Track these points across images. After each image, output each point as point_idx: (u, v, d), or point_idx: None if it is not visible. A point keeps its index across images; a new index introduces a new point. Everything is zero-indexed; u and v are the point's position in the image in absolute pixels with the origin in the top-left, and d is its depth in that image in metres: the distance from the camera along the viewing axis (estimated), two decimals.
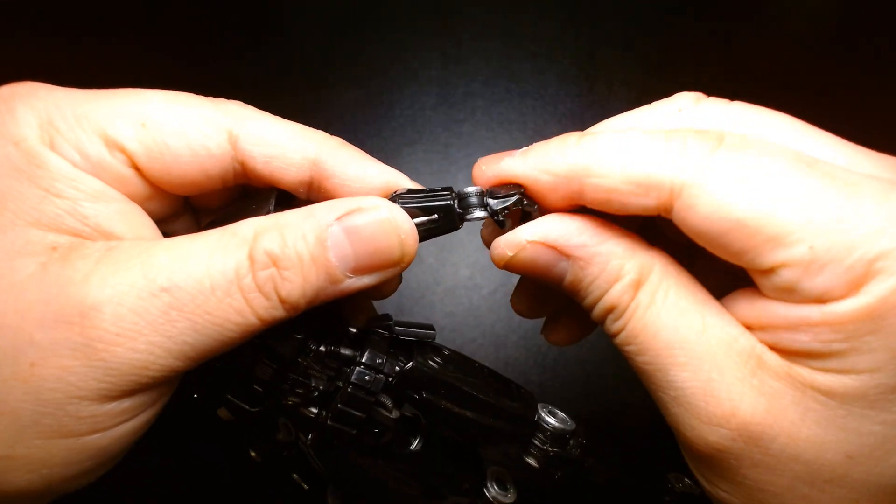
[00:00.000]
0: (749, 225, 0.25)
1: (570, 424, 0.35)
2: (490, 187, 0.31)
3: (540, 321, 0.39)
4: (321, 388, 0.32)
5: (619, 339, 0.29)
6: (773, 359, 0.27)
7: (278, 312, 0.27)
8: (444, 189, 0.31)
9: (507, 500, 0.36)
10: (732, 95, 0.32)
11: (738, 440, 0.26)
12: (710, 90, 0.32)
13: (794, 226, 0.24)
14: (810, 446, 0.26)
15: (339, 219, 0.28)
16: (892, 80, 0.76)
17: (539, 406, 0.36)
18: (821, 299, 0.25)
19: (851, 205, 0.24)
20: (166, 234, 0.31)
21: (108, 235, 0.28)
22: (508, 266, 0.30)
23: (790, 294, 0.25)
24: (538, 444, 0.35)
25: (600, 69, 0.76)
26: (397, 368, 0.32)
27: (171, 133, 0.29)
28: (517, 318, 0.40)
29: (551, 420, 0.35)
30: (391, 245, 0.29)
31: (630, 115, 0.32)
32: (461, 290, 0.65)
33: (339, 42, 0.77)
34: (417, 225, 0.30)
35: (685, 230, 0.27)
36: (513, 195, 0.30)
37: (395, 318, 0.35)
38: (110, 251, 0.27)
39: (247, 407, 0.32)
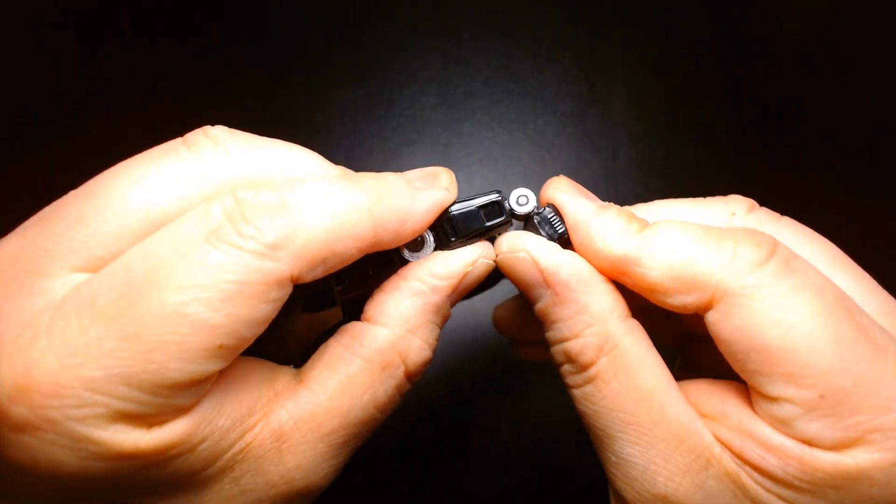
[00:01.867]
0: (772, 354, 0.25)
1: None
2: (540, 212, 0.33)
3: None
4: None
5: (574, 395, 0.31)
6: (726, 459, 0.27)
7: None
8: (494, 204, 0.33)
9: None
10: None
11: None
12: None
13: (813, 371, 0.25)
14: None
15: (454, 290, 0.31)
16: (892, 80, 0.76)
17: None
18: (808, 442, 0.26)
19: (873, 370, 0.25)
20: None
21: (241, 418, 0.28)
22: (499, 261, 0.32)
23: (782, 425, 0.26)
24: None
25: (600, 69, 0.76)
26: None
27: (247, 328, 0.25)
28: None
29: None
30: (489, 271, 0.33)
31: (683, 205, 0.32)
32: None
33: (339, 42, 0.77)
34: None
35: (711, 330, 0.27)
36: (559, 241, 0.32)
37: None
38: (281, 440, 0.28)
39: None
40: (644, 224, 0.29)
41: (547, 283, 0.30)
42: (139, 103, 0.74)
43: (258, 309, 0.25)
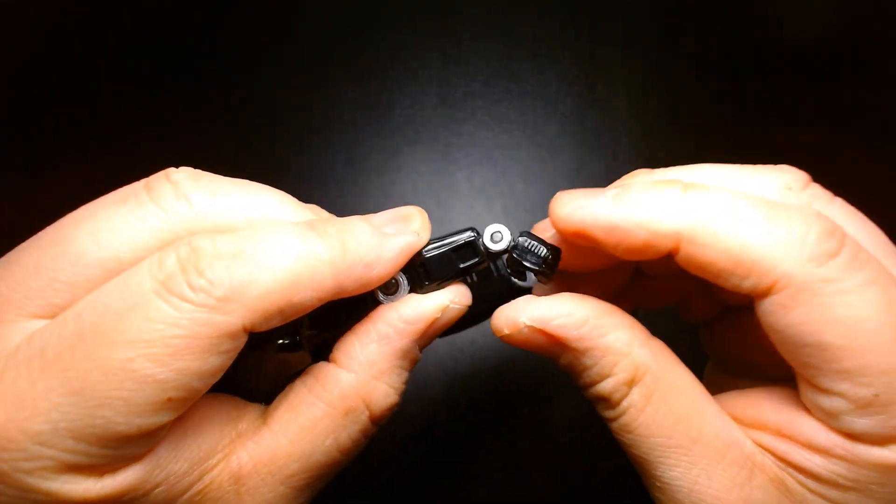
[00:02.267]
0: (832, 352, 0.24)
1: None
2: (516, 245, 0.31)
3: None
4: None
5: (611, 426, 0.30)
6: (769, 465, 0.27)
7: None
8: (467, 245, 0.31)
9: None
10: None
11: None
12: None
13: (872, 371, 0.24)
14: None
15: (422, 336, 0.30)
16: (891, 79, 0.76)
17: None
18: (854, 438, 0.25)
19: None
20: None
21: (198, 461, 0.27)
22: (504, 340, 0.30)
23: (831, 418, 0.25)
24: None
25: (600, 69, 0.76)
26: None
27: (198, 381, 0.25)
28: None
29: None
30: (461, 315, 0.32)
31: (730, 171, 0.29)
32: None
33: (339, 42, 0.77)
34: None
35: (764, 318, 0.26)
36: (545, 265, 0.30)
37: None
38: (239, 482, 0.27)
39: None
40: (689, 186, 0.26)
41: (560, 345, 0.29)
42: (138, 102, 0.73)
43: (209, 361, 0.24)
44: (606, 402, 0.29)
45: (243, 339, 0.26)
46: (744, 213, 0.25)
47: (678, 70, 0.77)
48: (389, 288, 0.31)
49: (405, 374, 0.31)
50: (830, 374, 0.25)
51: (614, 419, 0.29)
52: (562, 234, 0.30)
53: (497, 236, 0.31)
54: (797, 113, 0.74)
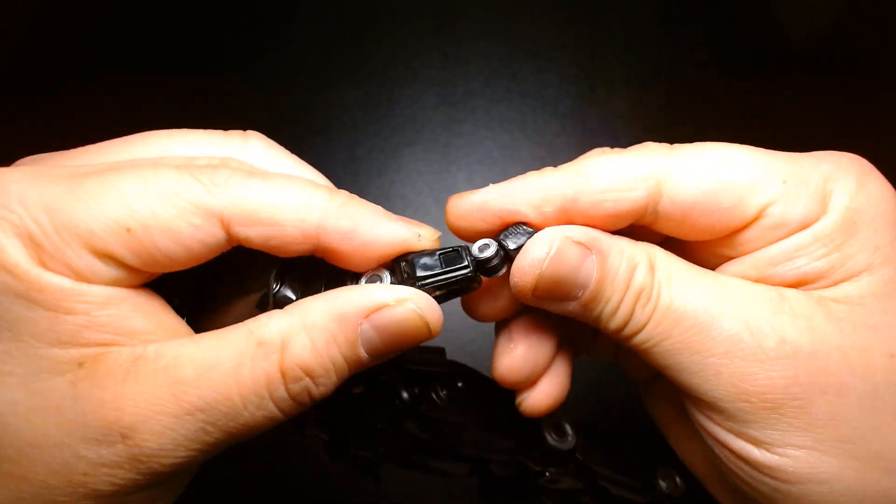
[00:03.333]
0: (731, 183, 0.29)
1: (570, 442, 0.36)
2: (501, 235, 0.31)
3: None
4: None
5: (649, 328, 0.29)
6: (789, 290, 0.29)
7: (305, 408, 0.29)
8: (456, 251, 0.31)
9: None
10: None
11: (800, 367, 0.27)
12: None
13: (764, 172, 0.29)
14: (859, 356, 0.27)
15: (368, 317, 0.28)
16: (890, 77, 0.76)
17: (544, 422, 0.36)
18: (804, 224, 0.29)
19: (783, 157, 0.30)
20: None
21: (130, 334, 0.28)
22: (540, 281, 0.30)
23: (779, 229, 0.29)
24: (537, 462, 0.36)
25: (600, 69, 0.76)
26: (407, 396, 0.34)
27: (159, 233, 0.27)
28: None
29: (551, 440, 0.36)
30: (420, 332, 0.29)
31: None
32: None
33: (339, 42, 0.77)
34: (440, 300, 0.30)
35: (675, 211, 0.29)
36: (525, 231, 0.31)
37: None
38: (135, 364, 0.27)
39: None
40: (558, 167, 0.31)
41: (588, 247, 0.29)
42: (139, 102, 0.74)
43: (177, 225, 0.27)
44: (642, 295, 0.29)
45: (214, 232, 0.28)
46: (607, 158, 0.30)
47: (678, 70, 0.77)
48: (372, 280, 0.31)
49: (339, 361, 0.29)
50: (748, 198, 0.29)
51: (652, 313, 0.29)
52: (457, 230, 0.33)
53: (484, 247, 0.31)
54: (797, 113, 0.74)
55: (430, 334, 0.30)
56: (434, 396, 0.34)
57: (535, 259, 0.29)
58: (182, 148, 0.31)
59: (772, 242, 0.29)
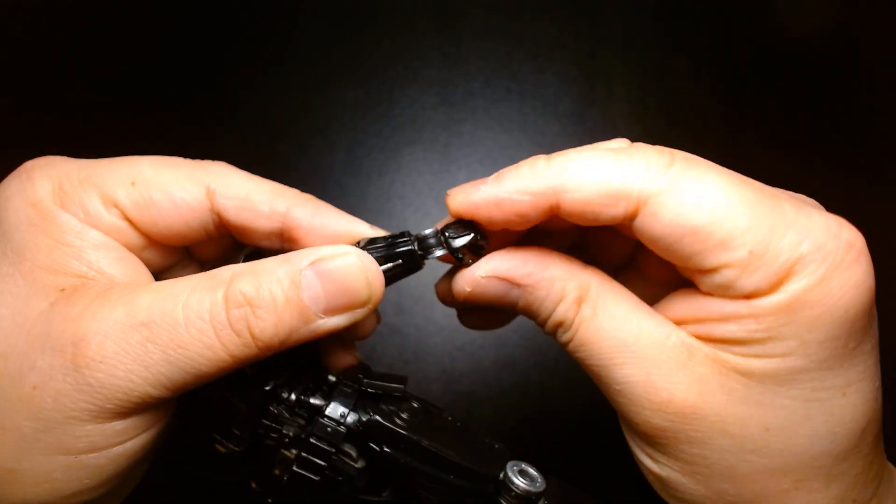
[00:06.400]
0: (702, 231, 0.29)
1: (539, 485, 0.35)
2: (444, 226, 0.34)
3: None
4: (292, 433, 0.34)
5: (569, 348, 0.34)
6: (702, 348, 0.31)
7: (250, 351, 0.30)
8: (402, 234, 0.34)
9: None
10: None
11: (675, 421, 0.31)
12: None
13: (738, 233, 0.29)
14: (734, 422, 0.30)
15: (312, 264, 0.31)
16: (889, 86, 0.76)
17: (510, 464, 0.36)
18: (750, 296, 0.29)
19: (777, 215, 0.29)
20: None
21: (108, 278, 0.32)
22: (468, 299, 0.34)
23: (726, 290, 0.30)
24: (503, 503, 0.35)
25: (600, 69, 0.76)
26: (363, 419, 0.34)
27: (156, 189, 0.33)
28: (518, 318, 0.40)
29: (518, 481, 0.35)
30: (360, 286, 0.32)
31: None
32: None
33: (339, 42, 0.77)
34: (384, 271, 0.33)
35: (643, 235, 0.31)
36: (468, 232, 0.34)
37: (370, 365, 0.38)
38: (105, 291, 0.30)
39: (232, 446, 0.34)
40: (550, 157, 0.32)
41: (515, 284, 0.33)
42: (139, 103, 0.74)
43: (171, 185, 0.33)
44: (562, 325, 0.33)
45: (202, 201, 0.33)
46: (599, 160, 0.31)
47: (678, 70, 0.77)
48: None
49: (280, 297, 0.30)
50: (710, 249, 0.29)
51: (571, 339, 0.33)
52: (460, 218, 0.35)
53: (429, 231, 0.34)
54: (797, 112, 0.74)
55: (369, 295, 0.32)
56: (388, 414, 0.34)
57: (461, 288, 0.34)
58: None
59: (715, 295, 0.31)
